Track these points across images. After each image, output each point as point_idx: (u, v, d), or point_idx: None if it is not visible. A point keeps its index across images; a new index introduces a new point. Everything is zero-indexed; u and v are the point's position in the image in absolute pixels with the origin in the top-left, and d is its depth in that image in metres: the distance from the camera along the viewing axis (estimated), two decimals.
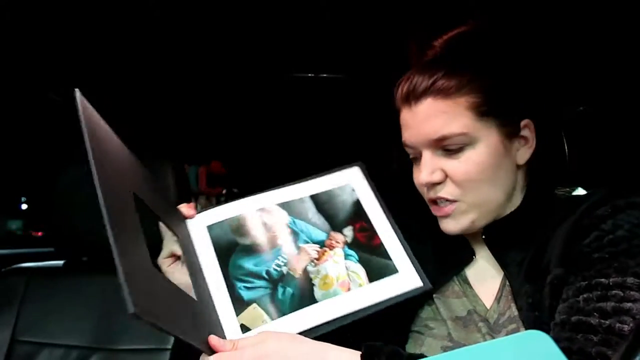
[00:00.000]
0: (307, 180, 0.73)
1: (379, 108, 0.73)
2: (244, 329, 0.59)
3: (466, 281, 0.70)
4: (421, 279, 0.65)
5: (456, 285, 0.70)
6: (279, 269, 0.64)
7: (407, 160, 0.73)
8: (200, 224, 0.67)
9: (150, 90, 1.34)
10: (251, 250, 0.66)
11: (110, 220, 0.42)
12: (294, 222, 0.68)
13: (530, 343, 0.31)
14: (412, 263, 0.67)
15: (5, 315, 1.05)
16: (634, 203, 0.58)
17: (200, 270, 0.63)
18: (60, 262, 1.18)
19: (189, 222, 0.68)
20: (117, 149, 0.54)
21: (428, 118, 0.63)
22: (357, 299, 0.62)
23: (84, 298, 1.05)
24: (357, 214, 0.70)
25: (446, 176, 0.64)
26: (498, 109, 0.63)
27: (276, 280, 0.63)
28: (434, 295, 0.70)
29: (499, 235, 0.67)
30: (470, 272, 0.71)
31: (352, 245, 0.67)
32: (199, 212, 0.69)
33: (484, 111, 0.62)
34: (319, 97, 1.38)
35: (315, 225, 0.69)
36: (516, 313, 0.61)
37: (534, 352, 0.31)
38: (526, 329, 0.57)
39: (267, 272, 0.64)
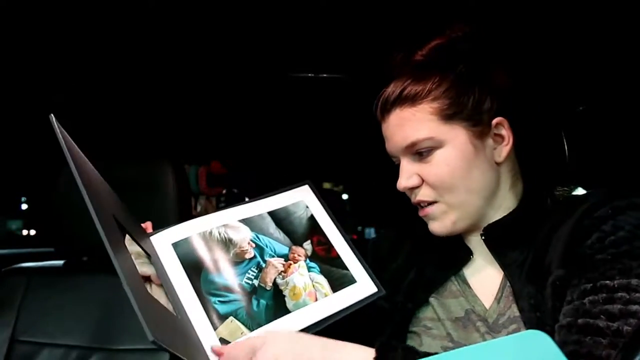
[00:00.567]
0: (262, 198, 0.77)
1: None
2: (223, 342, 0.61)
3: (465, 281, 0.70)
4: (376, 285, 0.71)
5: (454, 285, 0.70)
6: (250, 282, 0.66)
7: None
8: (165, 242, 0.68)
9: (150, 91, 1.34)
10: (220, 265, 0.67)
11: (110, 244, 0.43)
12: (257, 237, 0.71)
13: (530, 343, 0.31)
14: (367, 272, 0.72)
15: (5, 315, 1.05)
16: (634, 204, 0.58)
17: (172, 288, 0.63)
18: (60, 262, 1.18)
19: (154, 241, 0.68)
20: (93, 173, 0.54)
21: (397, 127, 0.67)
22: (325, 308, 0.67)
23: (84, 298, 1.05)
24: (314, 228, 0.75)
25: (423, 180, 0.67)
26: (463, 112, 0.65)
27: (249, 293, 0.65)
28: (432, 296, 0.70)
29: (499, 236, 0.68)
30: (469, 272, 0.71)
31: (312, 258, 0.72)
32: (163, 229, 0.70)
33: (448, 115, 0.65)
34: (319, 97, 1.38)
35: (277, 240, 0.72)
36: (517, 313, 0.61)
37: (533, 352, 0.31)
38: (528, 329, 0.57)
39: (240, 286, 0.66)
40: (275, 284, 0.67)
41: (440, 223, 0.68)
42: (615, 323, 0.49)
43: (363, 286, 0.71)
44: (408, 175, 0.67)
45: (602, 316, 0.50)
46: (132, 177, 1.06)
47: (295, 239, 0.73)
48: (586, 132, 1.02)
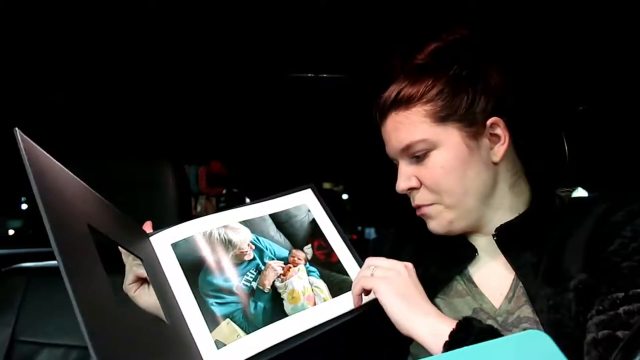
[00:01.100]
0: (264, 200, 0.77)
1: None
2: (219, 344, 0.60)
3: (470, 280, 0.70)
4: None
5: (459, 285, 0.70)
6: (248, 284, 0.66)
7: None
8: (165, 242, 0.68)
9: (150, 91, 1.34)
10: (219, 266, 0.66)
11: (65, 261, 0.40)
12: (257, 239, 0.71)
13: (530, 343, 0.31)
14: None
15: (5, 315, 1.05)
16: None
17: (170, 288, 0.63)
18: None
19: (153, 241, 0.67)
20: (66, 183, 0.52)
21: (393, 131, 0.68)
22: (324, 313, 0.66)
23: None
24: (315, 232, 0.75)
25: (421, 183, 0.68)
26: (456, 113, 0.65)
27: (247, 296, 0.65)
28: (437, 297, 0.70)
29: (511, 237, 0.67)
30: (474, 270, 0.71)
31: (312, 262, 0.72)
32: (164, 229, 0.69)
33: (442, 116, 0.65)
34: (319, 97, 1.38)
35: (277, 243, 0.72)
36: (527, 314, 0.62)
37: (534, 352, 0.31)
38: (547, 330, 0.58)
39: (238, 288, 0.65)
40: (273, 286, 0.67)
41: (438, 222, 0.69)
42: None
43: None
44: (406, 177, 0.68)
45: None
46: (132, 177, 1.07)
47: (296, 243, 0.73)
48: (586, 132, 1.02)
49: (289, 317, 0.64)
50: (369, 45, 1.03)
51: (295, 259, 0.71)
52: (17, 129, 0.45)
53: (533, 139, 0.72)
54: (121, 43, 1.03)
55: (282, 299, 0.66)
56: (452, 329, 0.55)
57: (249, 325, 0.62)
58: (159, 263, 0.65)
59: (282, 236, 0.73)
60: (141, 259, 0.62)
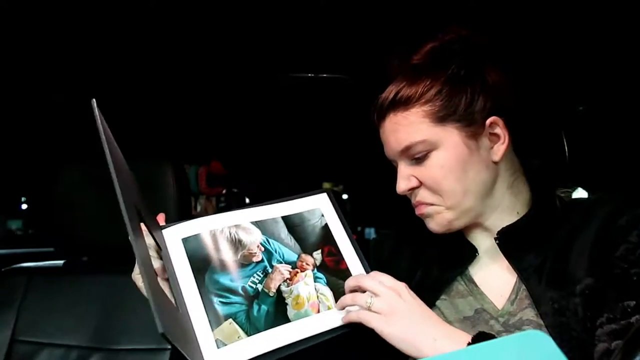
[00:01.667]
0: (279, 201, 0.76)
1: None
2: (220, 343, 0.60)
3: (471, 280, 0.70)
4: None
5: (460, 285, 0.70)
6: (254, 286, 0.66)
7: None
8: (176, 236, 0.68)
9: (150, 91, 1.34)
10: (227, 265, 0.66)
11: (134, 233, 0.44)
12: (267, 241, 0.70)
13: (530, 343, 0.31)
14: None
15: (5, 315, 1.05)
16: None
17: (177, 283, 0.63)
18: (60, 262, 1.18)
19: (165, 234, 0.68)
20: (122, 162, 0.56)
21: (392, 132, 0.68)
22: (327, 321, 0.66)
23: (83, 298, 1.05)
24: (326, 238, 0.74)
25: (421, 182, 0.68)
26: (455, 113, 0.65)
27: (252, 297, 0.65)
28: (439, 297, 0.70)
29: (513, 240, 0.67)
30: (475, 270, 0.71)
31: (320, 268, 0.71)
32: (176, 223, 0.70)
33: (440, 117, 0.65)
34: (319, 97, 1.38)
35: (287, 246, 0.71)
36: (530, 317, 0.62)
37: (533, 352, 0.31)
38: (552, 334, 0.58)
39: (243, 289, 0.65)
40: (279, 290, 0.66)
41: (437, 222, 0.69)
42: None
43: None
44: (405, 178, 0.68)
45: None
46: None
47: (306, 247, 0.72)
48: (586, 132, 1.02)
49: (291, 323, 0.64)
50: (369, 45, 1.03)
51: (304, 264, 0.70)
52: (94, 100, 0.49)
53: (532, 138, 0.72)
54: (121, 43, 1.03)
55: (286, 304, 0.65)
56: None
57: (250, 327, 0.62)
58: (169, 256, 0.65)
59: (293, 239, 0.72)
60: (160, 249, 0.63)
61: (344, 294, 0.68)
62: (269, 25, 0.96)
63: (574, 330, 0.57)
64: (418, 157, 0.66)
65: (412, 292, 0.64)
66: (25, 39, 0.98)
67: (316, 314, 0.66)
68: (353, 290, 0.66)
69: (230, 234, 0.69)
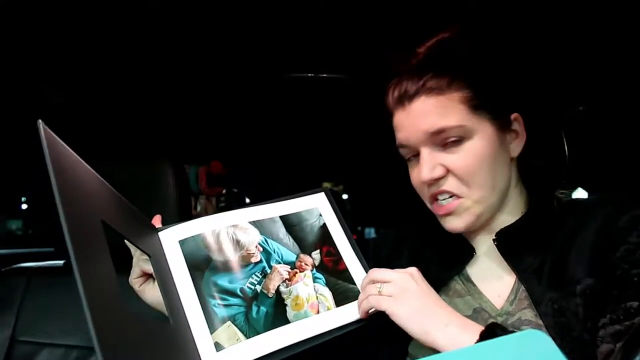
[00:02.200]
0: (277, 201, 0.75)
1: (380, 108, 0.73)
2: (219, 346, 0.59)
3: (469, 279, 0.70)
4: None
5: (458, 284, 0.70)
6: (252, 287, 0.65)
7: (402, 166, 0.74)
8: (173, 239, 0.67)
9: (150, 91, 1.34)
10: (225, 267, 0.65)
11: (77, 257, 0.40)
12: (266, 241, 0.69)
13: (529, 342, 0.31)
14: None
15: (5, 315, 1.05)
16: None
17: (174, 286, 0.62)
18: (60, 262, 1.18)
19: (161, 237, 0.67)
20: (84, 178, 0.52)
21: (424, 114, 0.64)
22: (326, 322, 0.65)
23: None
24: (324, 238, 0.73)
25: (447, 171, 0.65)
26: (489, 102, 0.65)
27: (250, 299, 0.64)
28: None
29: (512, 241, 0.67)
30: (473, 270, 0.71)
31: (319, 268, 0.70)
32: (172, 225, 0.69)
33: (476, 105, 0.64)
34: (319, 97, 1.38)
35: (285, 246, 0.70)
36: (529, 317, 0.62)
37: (533, 351, 0.31)
38: (552, 334, 0.58)
39: (242, 290, 0.64)
40: (278, 291, 0.66)
41: (463, 219, 0.66)
42: None
43: None
44: (432, 166, 0.64)
45: None
46: (132, 177, 1.06)
47: (304, 247, 0.71)
48: (586, 132, 1.02)
49: (290, 324, 0.63)
50: (369, 45, 1.02)
51: (303, 264, 0.69)
52: (40, 121, 0.45)
53: (535, 138, 0.72)
54: (121, 43, 1.03)
55: (286, 305, 0.65)
56: (476, 341, 0.54)
57: (249, 329, 0.61)
58: (166, 259, 0.64)
59: (291, 239, 0.71)
60: (149, 255, 0.62)
61: (343, 294, 0.68)
62: (269, 25, 0.96)
63: (574, 330, 0.57)
64: (449, 143, 0.64)
65: (421, 280, 0.63)
66: (25, 40, 0.98)
67: (316, 314, 0.65)
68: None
69: (228, 235, 0.68)
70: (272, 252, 0.69)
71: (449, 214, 0.67)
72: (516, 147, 0.68)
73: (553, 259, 0.63)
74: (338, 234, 0.74)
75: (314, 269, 0.70)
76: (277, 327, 0.62)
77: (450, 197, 0.66)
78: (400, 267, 0.76)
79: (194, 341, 0.59)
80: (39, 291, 1.08)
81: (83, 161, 0.53)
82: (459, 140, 0.63)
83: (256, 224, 0.71)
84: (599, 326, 0.56)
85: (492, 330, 0.56)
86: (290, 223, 0.73)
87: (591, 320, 0.57)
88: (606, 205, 0.63)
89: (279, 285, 0.66)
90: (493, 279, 0.68)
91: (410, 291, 0.60)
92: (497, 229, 0.68)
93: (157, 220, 0.71)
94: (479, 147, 0.63)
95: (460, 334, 0.56)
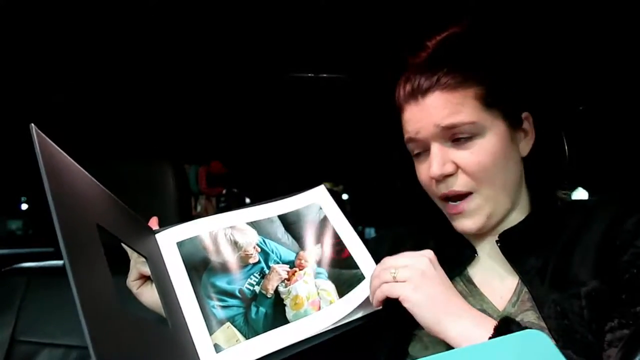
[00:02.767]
0: (274, 200, 0.74)
1: (380, 108, 0.73)
2: (218, 348, 0.59)
3: (470, 281, 0.70)
4: None
5: (459, 286, 0.70)
6: (251, 288, 0.64)
7: (408, 163, 0.73)
8: (170, 240, 0.66)
9: (150, 91, 1.34)
10: (223, 268, 0.65)
11: (71, 261, 0.39)
12: (264, 241, 0.69)
13: (529, 343, 0.31)
14: None
15: (5, 315, 1.05)
16: None
17: (172, 288, 0.62)
18: (60, 262, 1.18)
19: (159, 239, 0.66)
20: (79, 181, 0.52)
21: (437, 108, 0.63)
22: (328, 317, 0.64)
23: None
24: (325, 230, 0.73)
25: (457, 168, 0.64)
26: (502, 100, 0.64)
27: (249, 300, 0.63)
28: None
29: (515, 243, 0.67)
30: (474, 271, 0.70)
31: (321, 262, 0.69)
32: (169, 227, 0.68)
33: (489, 101, 0.63)
34: (319, 97, 1.38)
35: (284, 245, 0.70)
36: (532, 319, 0.61)
37: (532, 351, 0.31)
38: (555, 336, 0.57)
39: (240, 291, 0.64)
40: (277, 291, 0.65)
41: (475, 219, 0.65)
42: None
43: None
44: (442, 161, 0.63)
45: None
46: (132, 177, 1.06)
47: (304, 244, 0.71)
48: (586, 132, 1.02)
49: (290, 324, 0.63)
50: (369, 45, 1.02)
51: (302, 262, 0.69)
52: (33, 125, 0.45)
53: (541, 137, 0.72)
54: (121, 43, 1.03)
55: (285, 305, 0.64)
56: (490, 336, 0.53)
57: (248, 330, 0.61)
58: (163, 261, 0.64)
59: (290, 238, 0.71)
60: (145, 258, 0.61)
61: (347, 282, 0.67)
62: (269, 25, 0.96)
63: (577, 332, 0.57)
64: (460, 139, 0.63)
65: (438, 266, 0.61)
66: (25, 39, 0.98)
67: (317, 312, 0.65)
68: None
69: (225, 236, 0.68)
70: (271, 253, 0.69)
71: (460, 213, 0.66)
72: (525, 146, 0.68)
73: (556, 260, 0.62)
74: (341, 224, 0.74)
75: (316, 265, 0.69)
76: (276, 327, 0.62)
77: (461, 198, 0.65)
78: None
79: (193, 343, 0.59)
80: (39, 291, 1.08)
81: (77, 165, 0.52)
82: (471, 137, 0.63)
83: (254, 224, 0.70)
84: (605, 330, 0.56)
85: (506, 326, 0.54)
86: (289, 221, 0.73)
87: (596, 322, 0.56)
88: (610, 207, 0.62)
89: (278, 286, 0.66)
90: (495, 280, 0.68)
91: (427, 276, 0.58)
92: (501, 230, 0.68)
93: (154, 222, 0.71)
94: (491, 145, 0.63)
95: (474, 327, 0.55)
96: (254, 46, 1.05)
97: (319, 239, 0.72)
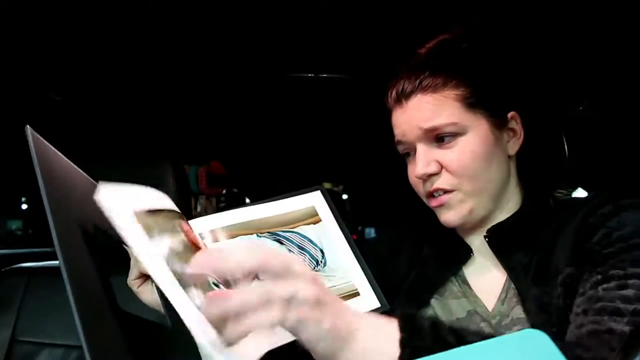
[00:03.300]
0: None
1: (380, 108, 0.73)
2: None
3: (465, 281, 0.70)
4: (379, 300, 0.66)
5: (454, 286, 0.70)
6: None
7: (400, 166, 0.74)
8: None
9: (150, 91, 1.34)
10: None
11: (68, 266, 0.38)
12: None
13: (528, 342, 0.31)
14: (371, 285, 0.67)
15: (5, 315, 1.05)
16: (637, 204, 0.59)
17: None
18: None
19: None
20: (76, 182, 0.50)
21: (419, 111, 0.65)
22: None
23: None
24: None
25: (441, 167, 0.66)
26: (485, 100, 0.65)
27: None
28: (433, 297, 0.70)
29: (503, 239, 0.67)
30: (469, 271, 0.71)
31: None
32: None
33: (471, 102, 0.65)
34: (319, 97, 1.38)
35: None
36: (521, 315, 0.61)
37: (532, 351, 0.31)
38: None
39: None
40: None
41: (456, 212, 0.67)
42: (633, 305, 0.50)
43: (365, 300, 0.66)
44: (426, 162, 0.66)
45: (617, 300, 0.51)
46: (132, 177, 1.06)
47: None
48: (586, 132, 1.02)
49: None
50: (369, 45, 1.03)
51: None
52: (28, 126, 0.44)
53: (537, 137, 0.72)
54: (121, 43, 1.03)
55: None
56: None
57: None
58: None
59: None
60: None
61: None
62: (269, 25, 0.96)
63: (554, 326, 0.57)
64: (443, 139, 0.65)
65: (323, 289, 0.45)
66: (24, 39, 0.98)
67: None
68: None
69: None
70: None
71: (442, 205, 0.67)
72: (513, 145, 0.69)
73: (540, 256, 0.63)
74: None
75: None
76: None
77: (444, 193, 0.67)
78: (399, 267, 0.76)
79: (195, 341, 0.59)
80: (39, 291, 1.08)
81: (75, 165, 0.52)
82: (454, 137, 0.64)
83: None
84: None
85: (405, 326, 0.45)
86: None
87: (569, 308, 0.57)
88: (591, 201, 0.63)
89: None
90: (487, 279, 0.68)
91: (324, 300, 0.43)
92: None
93: None
94: (473, 144, 0.64)
95: (375, 337, 0.44)
96: (254, 46, 1.06)
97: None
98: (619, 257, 0.54)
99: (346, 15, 0.92)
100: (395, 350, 0.43)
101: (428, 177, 0.67)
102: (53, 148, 0.49)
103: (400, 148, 0.71)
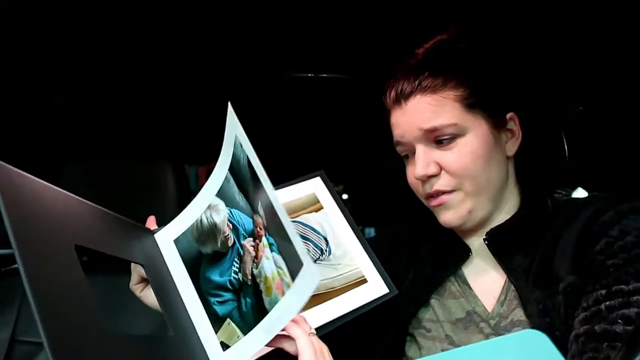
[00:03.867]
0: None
1: (380, 108, 0.73)
2: (224, 346, 0.56)
3: (465, 281, 0.70)
4: (387, 286, 0.66)
5: (453, 286, 0.70)
6: (236, 277, 0.58)
7: (399, 166, 0.74)
8: (168, 239, 0.63)
9: (150, 91, 1.34)
10: (213, 259, 0.60)
11: (40, 309, 0.37)
12: (231, 213, 0.60)
13: (528, 342, 0.31)
14: (378, 271, 0.67)
15: (5, 315, 1.05)
16: (637, 208, 0.59)
17: (175, 289, 0.59)
18: None
19: (158, 239, 0.63)
20: (51, 205, 0.48)
21: (418, 112, 0.65)
22: (291, 305, 0.51)
23: None
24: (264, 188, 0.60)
25: (441, 169, 0.66)
26: (484, 101, 0.65)
27: (237, 291, 0.58)
28: (432, 297, 0.70)
29: (502, 241, 0.67)
30: (468, 271, 0.71)
31: (268, 228, 0.55)
32: (169, 223, 0.64)
33: (471, 103, 0.64)
34: (319, 97, 1.38)
35: (241, 210, 0.59)
36: (520, 317, 0.61)
37: (531, 351, 0.31)
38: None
39: (230, 282, 0.59)
40: (252, 275, 0.57)
41: (455, 212, 0.67)
42: (632, 327, 0.49)
43: (373, 286, 0.66)
44: (426, 163, 0.66)
45: (619, 321, 0.51)
46: (132, 177, 1.07)
47: (255, 205, 0.57)
48: (586, 132, 1.02)
49: (269, 314, 0.53)
50: (369, 45, 1.03)
51: (258, 228, 0.57)
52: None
53: (536, 137, 0.72)
54: (121, 43, 1.03)
55: (261, 291, 0.55)
56: None
57: (244, 325, 0.57)
58: (165, 262, 0.61)
59: (243, 198, 0.59)
60: (142, 265, 0.59)
61: (293, 255, 0.51)
62: (269, 25, 0.96)
63: (557, 330, 0.57)
64: (443, 140, 0.64)
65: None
66: (25, 39, 0.98)
67: (282, 297, 0.52)
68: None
69: (207, 220, 0.62)
70: (238, 225, 0.59)
71: (442, 205, 0.67)
72: (512, 146, 0.69)
73: (540, 258, 0.63)
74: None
75: (266, 232, 0.56)
76: (260, 319, 0.54)
77: (444, 193, 0.66)
78: (399, 267, 0.76)
79: (202, 345, 0.57)
80: None
81: (51, 185, 0.49)
82: (453, 138, 0.64)
83: (220, 193, 0.61)
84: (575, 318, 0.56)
85: None
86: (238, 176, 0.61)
87: (572, 317, 0.57)
88: (594, 203, 0.63)
89: (252, 267, 0.57)
90: (487, 280, 0.68)
91: None
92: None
93: (151, 222, 0.69)
94: (473, 145, 0.64)
95: None
96: (254, 46, 1.06)
97: (260, 198, 0.56)
98: (622, 270, 0.54)
99: (346, 16, 0.92)
100: None
101: (427, 179, 0.66)
102: (22, 173, 0.46)
103: (399, 149, 0.70)
